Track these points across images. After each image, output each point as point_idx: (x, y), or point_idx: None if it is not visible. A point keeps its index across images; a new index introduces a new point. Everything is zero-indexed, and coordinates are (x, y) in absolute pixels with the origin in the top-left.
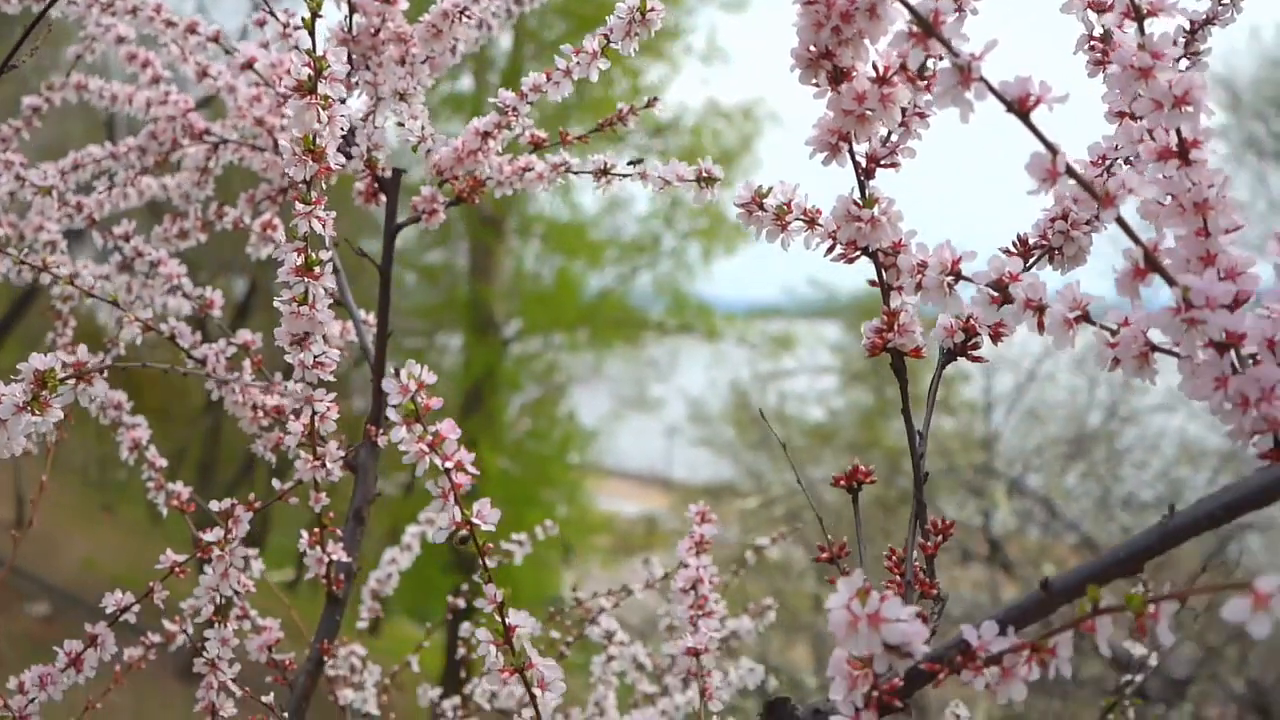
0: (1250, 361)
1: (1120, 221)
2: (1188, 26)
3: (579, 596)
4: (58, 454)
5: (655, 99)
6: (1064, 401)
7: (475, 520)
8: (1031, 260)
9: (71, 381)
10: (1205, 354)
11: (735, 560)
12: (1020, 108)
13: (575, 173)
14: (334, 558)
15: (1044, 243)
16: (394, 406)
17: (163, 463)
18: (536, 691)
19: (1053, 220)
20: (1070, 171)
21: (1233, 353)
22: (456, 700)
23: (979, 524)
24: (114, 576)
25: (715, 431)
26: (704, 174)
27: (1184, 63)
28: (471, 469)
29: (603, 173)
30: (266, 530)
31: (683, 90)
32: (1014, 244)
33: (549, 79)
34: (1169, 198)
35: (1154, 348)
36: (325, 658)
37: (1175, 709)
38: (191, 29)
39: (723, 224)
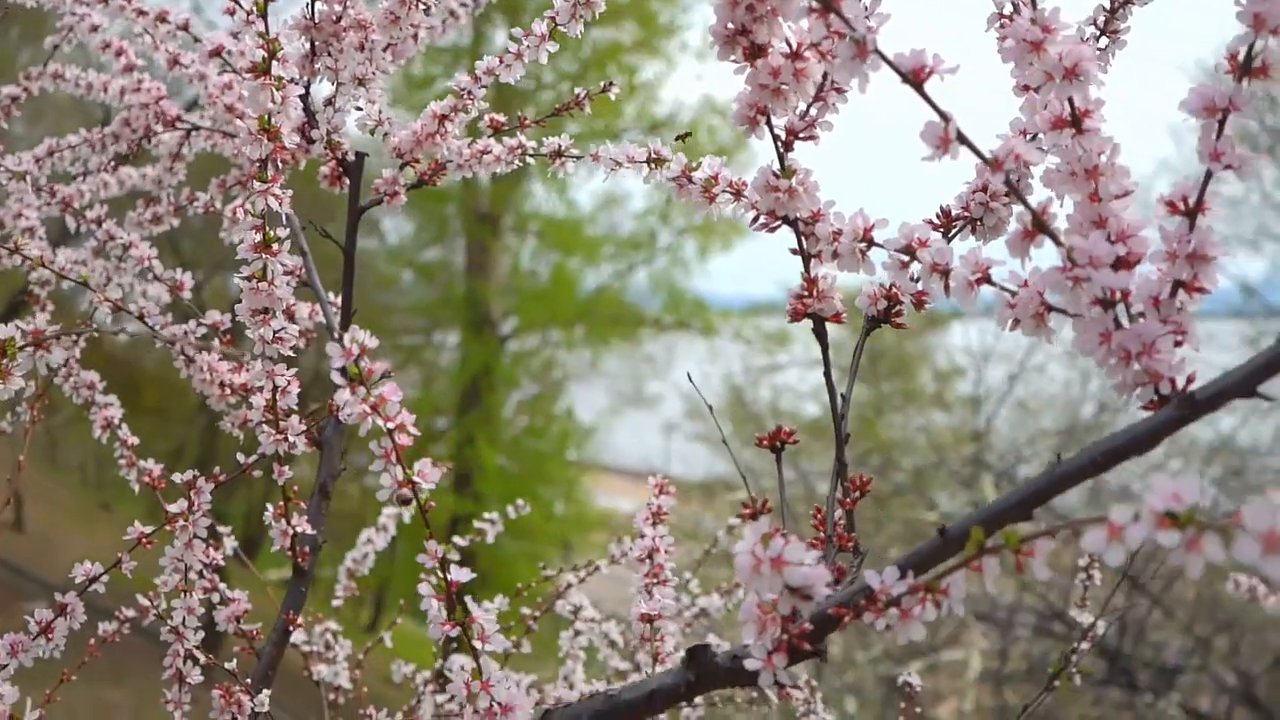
0: (1140, 319)
1: (1010, 185)
2: (1108, 5)
3: (548, 573)
4: (58, 455)
5: (611, 83)
6: (1056, 394)
7: (417, 479)
8: (954, 231)
9: (30, 349)
10: (1093, 311)
11: (727, 552)
12: (915, 78)
13: (532, 155)
14: (298, 530)
15: (966, 214)
16: (338, 370)
17: (134, 440)
18: (477, 644)
19: (974, 192)
20: (961, 138)
21: (1121, 309)
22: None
23: None
24: (112, 575)
25: (712, 427)
26: (653, 155)
27: (1104, 40)
28: (414, 430)
29: (557, 155)
30: (264, 530)
31: (679, 87)
32: (937, 215)
33: (501, 62)
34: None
35: (1050, 307)
36: (291, 628)
37: (1163, 698)
38: (161, 18)
39: (718, 220)
